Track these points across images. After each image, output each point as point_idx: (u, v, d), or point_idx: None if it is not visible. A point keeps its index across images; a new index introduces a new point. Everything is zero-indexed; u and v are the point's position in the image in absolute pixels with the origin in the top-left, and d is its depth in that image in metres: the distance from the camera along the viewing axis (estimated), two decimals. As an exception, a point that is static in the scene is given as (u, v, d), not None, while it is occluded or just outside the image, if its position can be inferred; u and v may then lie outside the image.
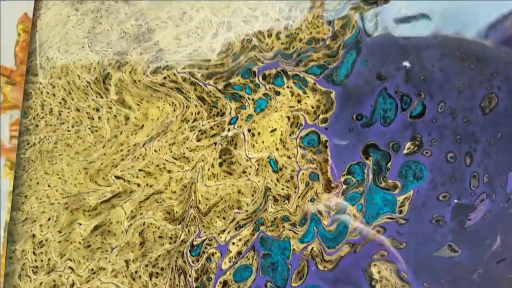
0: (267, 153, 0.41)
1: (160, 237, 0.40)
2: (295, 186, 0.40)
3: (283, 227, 0.40)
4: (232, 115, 0.41)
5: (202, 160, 0.40)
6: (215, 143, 0.41)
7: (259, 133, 0.41)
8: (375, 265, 0.41)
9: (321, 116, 0.41)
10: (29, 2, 0.42)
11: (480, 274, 0.41)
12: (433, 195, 0.40)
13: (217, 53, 0.42)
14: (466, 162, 0.40)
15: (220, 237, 0.40)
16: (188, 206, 0.40)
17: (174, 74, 0.42)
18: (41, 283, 0.40)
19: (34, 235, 0.40)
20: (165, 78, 0.41)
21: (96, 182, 0.40)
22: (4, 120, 0.41)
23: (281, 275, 0.41)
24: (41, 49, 0.42)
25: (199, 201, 0.40)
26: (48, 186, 0.40)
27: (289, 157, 0.40)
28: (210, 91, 0.41)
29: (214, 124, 0.41)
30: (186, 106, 0.41)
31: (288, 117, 0.41)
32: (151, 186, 0.40)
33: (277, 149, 0.40)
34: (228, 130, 0.40)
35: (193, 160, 0.40)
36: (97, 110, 0.41)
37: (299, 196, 0.40)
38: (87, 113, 0.41)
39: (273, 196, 0.40)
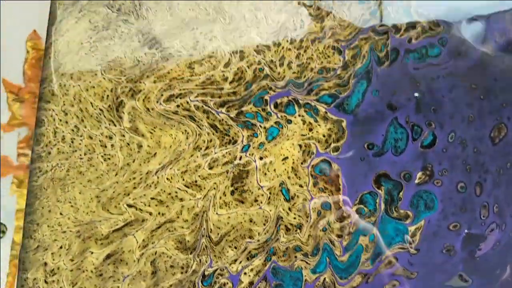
0: (279, 182, 0.41)
1: (171, 266, 0.40)
2: (307, 215, 0.40)
3: (295, 257, 0.40)
4: (244, 143, 0.41)
5: (214, 188, 0.40)
6: (227, 171, 0.41)
7: (271, 162, 0.41)
8: (387, 295, 0.40)
9: (332, 145, 0.41)
10: (39, 18, 0.42)
11: (492, 305, 0.41)
12: (444, 225, 0.40)
13: (229, 82, 0.42)
14: (476, 192, 0.40)
15: (232, 267, 0.40)
16: (199, 235, 0.40)
17: (187, 102, 0.42)
18: (52, 313, 0.40)
19: (46, 263, 0.40)
20: (178, 106, 0.41)
21: (108, 210, 0.40)
22: (12, 138, 0.41)
23: (293, 305, 0.40)
24: (54, 76, 0.42)
25: (211, 230, 0.40)
26: (60, 214, 0.40)
27: (301, 186, 0.40)
28: (223, 119, 0.41)
29: (226, 152, 0.41)
30: (199, 134, 0.41)
31: (300, 146, 0.41)
32: (163, 214, 0.40)
33: (289, 177, 0.40)
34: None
35: (205, 188, 0.40)
36: (110, 138, 0.41)
37: (311, 226, 0.40)
38: (100, 140, 0.41)
39: (285, 225, 0.40)
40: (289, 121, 0.42)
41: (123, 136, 0.42)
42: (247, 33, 0.44)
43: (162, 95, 0.42)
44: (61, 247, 0.40)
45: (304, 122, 0.42)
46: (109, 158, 0.41)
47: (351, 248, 0.41)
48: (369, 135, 0.42)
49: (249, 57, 0.43)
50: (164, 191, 0.41)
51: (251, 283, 0.41)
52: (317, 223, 0.41)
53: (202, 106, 0.42)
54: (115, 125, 0.42)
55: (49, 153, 0.42)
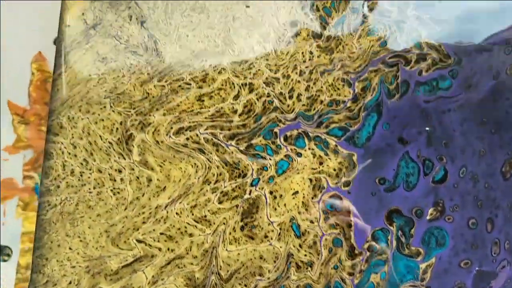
0: (289, 217, 0.40)
1: (181, 303, 0.39)
2: (318, 252, 0.40)
3: (306, 294, 0.40)
4: (253, 177, 0.40)
5: (224, 224, 0.40)
6: (236, 206, 0.40)
7: (281, 196, 0.40)
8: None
9: (343, 179, 0.40)
10: (45, 39, 0.41)
11: None
12: (455, 262, 0.40)
13: (239, 114, 0.42)
14: (487, 229, 0.40)
15: (242, 304, 0.40)
16: (209, 272, 0.39)
17: (197, 135, 0.41)
18: None
19: (54, 301, 0.39)
20: (187, 139, 0.41)
21: (117, 245, 0.39)
22: (17, 160, 0.40)
23: None
24: (62, 108, 0.42)
25: (220, 266, 0.39)
26: (70, 248, 0.40)
27: (311, 222, 0.40)
28: (232, 152, 0.41)
29: (236, 186, 0.40)
30: (208, 167, 0.41)
31: (310, 179, 0.41)
32: (172, 250, 0.39)
33: (299, 212, 0.40)
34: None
35: (214, 223, 0.40)
36: (120, 171, 0.40)
37: (322, 263, 0.39)
38: (109, 174, 0.40)
39: (296, 263, 0.40)
40: (299, 154, 0.42)
41: (133, 169, 0.41)
42: (256, 65, 0.43)
43: (171, 127, 0.42)
44: (70, 283, 0.40)
45: (314, 155, 0.42)
46: (118, 192, 0.41)
47: (363, 286, 0.40)
48: (380, 169, 0.41)
49: (258, 89, 0.43)
50: (174, 226, 0.40)
51: (261, 321, 0.40)
52: (328, 261, 0.40)
53: (212, 139, 0.42)
54: (124, 159, 0.41)
55: (58, 186, 0.41)
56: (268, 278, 0.41)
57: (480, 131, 0.43)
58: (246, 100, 0.44)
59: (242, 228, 0.42)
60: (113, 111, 0.43)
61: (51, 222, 0.41)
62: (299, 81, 0.44)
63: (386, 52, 0.44)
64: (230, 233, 0.41)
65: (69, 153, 0.43)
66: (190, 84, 0.44)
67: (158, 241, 0.41)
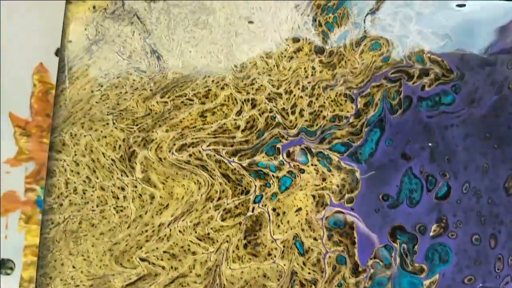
0: (293, 234, 0.40)
1: (185, 321, 0.39)
2: (322, 270, 0.39)
3: (310, 312, 0.40)
4: (256, 193, 0.40)
5: (227, 241, 0.40)
6: (239, 223, 0.40)
7: (284, 213, 0.40)
8: None
9: (346, 196, 0.40)
10: (46, 50, 0.41)
11: None
12: (458, 279, 0.39)
13: (241, 130, 0.41)
14: (490, 244, 0.40)
15: (246, 322, 0.39)
16: (213, 290, 0.39)
17: (200, 152, 0.41)
18: None
19: (58, 320, 0.39)
20: (190, 155, 0.41)
21: (121, 264, 0.39)
22: (19, 172, 0.40)
23: None
24: (65, 125, 0.41)
25: (224, 285, 0.39)
26: (73, 267, 0.39)
27: (315, 239, 0.39)
28: (235, 169, 0.40)
29: (239, 203, 0.40)
30: (211, 184, 0.40)
31: (313, 196, 0.41)
32: (175, 269, 0.39)
33: (302, 230, 0.40)
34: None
35: (217, 241, 0.40)
36: (123, 189, 0.40)
37: (326, 281, 0.39)
38: (112, 192, 0.40)
39: (300, 281, 0.39)
40: (302, 171, 0.41)
41: (135, 187, 0.41)
42: (259, 81, 0.43)
43: (174, 144, 0.42)
44: (73, 302, 0.40)
45: (317, 171, 0.41)
46: (121, 210, 0.41)
47: (366, 304, 0.40)
48: (383, 185, 0.41)
49: (261, 105, 0.43)
50: (177, 244, 0.40)
51: None
52: (332, 279, 0.40)
53: (214, 155, 0.42)
54: (127, 176, 0.41)
55: (61, 204, 0.41)
56: (272, 296, 0.41)
57: (483, 146, 0.43)
58: (249, 116, 0.43)
59: (245, 246, 0.41)
60: (116, 127, 0.43)
61: (55, 241, 0.41)
62: (301, 97, 0.44)
63: (388, 67, 0.44)
64: (233, 251, 0.41)
65: (72, 171, 0.42)
66: (192, 100, 0.43)
67: (162, 259, 0.41)
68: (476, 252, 0.41)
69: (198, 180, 0.42)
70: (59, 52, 0.43)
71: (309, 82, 0.44)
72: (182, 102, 0.43)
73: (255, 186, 0.42)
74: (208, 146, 0.43)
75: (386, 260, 0.41)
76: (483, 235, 0.41)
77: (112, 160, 0.42)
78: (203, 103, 0.43)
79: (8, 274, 0.40)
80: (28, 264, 0.40)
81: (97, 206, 0.42)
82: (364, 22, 0.44)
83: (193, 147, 0.43)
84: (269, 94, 0.44)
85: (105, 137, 0.43)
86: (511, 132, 0.43)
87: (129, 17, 0.44)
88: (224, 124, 0.43)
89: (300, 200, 0.42)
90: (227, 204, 0.42)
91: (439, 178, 0.42)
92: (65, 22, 0.44)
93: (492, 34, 0.44)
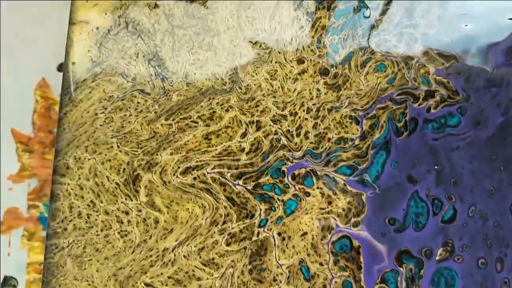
0: (298, 259, 0.39)
1: None
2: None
3: (316, 338, 0.39)
4: (261, 217, 0.40)
5: (232, 267, 0.39)
6: (244, 248, 0.39)
7: (289, 237, 0.40)
8: None
9: (352, 220, 0.40)
10: (48, 65, 0.41)
11: None
12: (465, 303, 0.39)
13: (246, 152, 0.41)
14: (497, 268, 0.39)
15: None
16: (219, 315, 0.39)
17: (204, 175, 0.40)
18: None
19: None
20: (195, 178, 0.40)
21: (126, 289, 0.39)
22: (22, 189, 0.40)
23: None
24: (68, 148, 0.41)
25: (230, 310, 0.39)
26: (77, 293, 0.39)
27: (321, 264, 0.39)
28: (240, 192, 0.40)
29: (244, 227, 0.40)
30: (216, 208, 0.40)
31: (319, 220, 0.40)
32: (181, 293, 0.39)
33: (308, 254, 0.39)
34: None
35: (222, 266, 0.39)
36: (127, 213, 0.40)
37: (332, 307, 0.39)
38: (116, 216, 0.40)
39: (306, 306, 0.39)
40: (308, 194, 0.41)
41: (140, 211, 0.41)
42: (264, 103, 0.42)
43: (179, 167, 0.41)
44: (78, 328, 0.39)
45: (322, 195, 0.41)
46: (125, 235, 0.40)
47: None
48: (389, 209, 0.40)
49: (265, 127, 0.42)
50: (181, 269, 0.40)
51: None
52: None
53: (219, 178, 0.41)
54: (131, 200, 0.41)
55: (65, 229, 0.40)
56: (278, 322, 0.41)
57: (489, 169, 0.42)
58: (254, 138, 0.43)
59: (250, 271, 0.41)
60: (120, 151, 0.42)
61: (59, 266, 0.41)
62: (306, 119, 0.43)
63: (393, 89, 0.43)
64: (238, 277, 0.41)
65: (76, 195, 0.42)
66: (197, 122, 0.43)
67: (166, 284, 0.41)
68: (482, 276, 0.41)
69: (202, 204, 0.42)
70: (62, 67, 0.43)
71: (314, 104, 0.44)
72: (187, 124, 0.43)
73: (260, 209, 0.42)
74: (212, 169, 0.42)
75: (392, 285, 0.41)
76: (489, 258, 0.41)
77: (116, 183, 0.42)
78: (207, 125, 0.43)
79: (11, 292, 0.40)
80: (31, 282, 0.40)
81: (102, 230, 0.41)
82: (368, 43, 0.44)
83: (197, 170, 0.42)
84: (274, 116, 0.43)
85: (109, 160, 0.42)
86: (517, 154, 0.42)
87: (133, 39, 0.44)
88: (229, 146, 0.43)
89: (306, 224, 0.42)
90: (232, 228, 0.42)
91: (445, 202, 0.42)
92: (68, 43, 0.43)
93: (499, 54, 0.43)
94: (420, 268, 0.41)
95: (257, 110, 0.44)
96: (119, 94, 0.43)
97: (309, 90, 0.44)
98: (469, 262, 0.41)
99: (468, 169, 0.42)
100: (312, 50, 0.44)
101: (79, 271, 0.41)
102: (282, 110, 0.44)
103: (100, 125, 0.43)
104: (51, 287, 0.41)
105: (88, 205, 0.42)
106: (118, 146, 0.43)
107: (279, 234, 0.42)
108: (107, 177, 0.42)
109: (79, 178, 0.42)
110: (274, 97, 0.44)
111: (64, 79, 0.43)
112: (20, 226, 0.41)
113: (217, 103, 0.43)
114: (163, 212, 0.42)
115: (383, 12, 0.44)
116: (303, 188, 0.43)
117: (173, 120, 0.43)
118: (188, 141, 0.43)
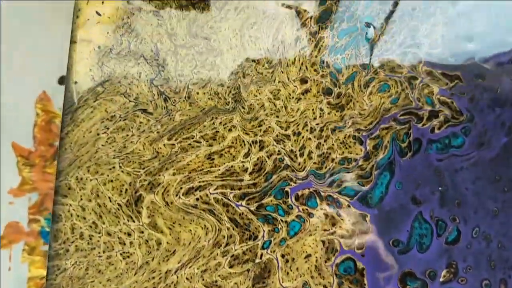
0: (302, 282, 0.39)
1: None
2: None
3: None
4: (265, 239, 0.39)
5: (236, 288, 0.39)
6: (248, 270, 0.39)
7: (293, 259, 0.39)
8: None
9: (357, 241, 0.39)
10: (49, 78, 0.40)
11: None
12: (470, 326, 0.39)
13: (249, 173, 0.41)
14: (501, 290, 0.39)
15: None
16: None
17: (207, 195, 0.40)
18: None
19: None
20: (197, 199, 0.40)
21: (128, 312, 0.38)
22: (23, 203, 0.39)
23: None
24: (70, 169, 0.40)
25: (234, 333, 0.38)
26: (79, 316, 0.38)
27: (325, 286, 0.39)
28: (243, 213, 0.40)
29: (247, 249, 0.39)
30: (219, 229, 0.39)
31: (323, 242, 0.40)
32: (184, 316, 0.38)
33: (312, 277, 0.39)
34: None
35: (226, 288, 0.39)
36: (129, 234, 0.39)
37: (336, 330, 0.39)
38: (118, 237, 0.39)
39: (310, 330, 0.39)
40: (311, 215, 0.41)
41: (142, 232, 0.40)
42: (267, 122, 0.42)
43: (181, 188, 0.41)
44: None
45: (326, 216, 0.41)
46: (128, 256, 0.40)
47: None
48: (394, 230, 0.40)
49: (269, 147, 0.42)
50: (185, 291, 0.39)
51: None
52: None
53: (222, 199, 0.41)
54: (133, 221, 0.40)
55: (67, 250, 0.40)
56: None
57: (493, 190, 0.42)
58: (257, 158, 0.43)
59: (254, 293, 0.41)
60: (122, 171, 0.42)
61: (61, 287, 0.40)
62: (309, 138, 0.43)
63: (397, 109, 0.43)
64: (242, 298, 0.40)
65: (78, 216, 0.41)
66: (200, 142, 0.42)
67: (169, 307, 0.40)
68: (486, 299, 0.41)
69: (205, 225, 0.42)
70: (63, 80, 0.42)
71: (317, 124, 0.43)
72: (190, 144, 0.43)
73: (264, 231, 0.42)
74: (215, 189, 0.42)
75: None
76: (493, 280, 0.41)
77: (119, 204, 0.42)
78: (210, 145, 0.43)
79: (12, 307, 0.40)
80: (31, 297, 0.40)
81: (104, 252, 0.41)
82: (370, 63, 0.44)
83: (200, 191, 0.42)
84: (277, 135, 0.43)
85: (111, 181, 0.42)
86: (521, 175, 0.42)
87: (135, 58, 0.43)
88: (232, 166, 0.43)
89: (310, 246, 0.42)
90: (235, 250, 0.41)
91: (449, 223, 0.41)
92: (69, 62, 0.43)
93: (502, 74, 0.43)
94: (424, 290, 0.41)
95: (260, 130, 0.43)
96: (121, 114, 0.43)
97: (313, 109, 0.44)
98: (473, 283, 0.41)
99: (472, 190, 0.42)
100: (315, 70, 0.44)
101: (81, 293, 0.41)
102: (285, 130, 0.43)
103: (102, 145, 0.43)
104: (52, 310, 0.40)
105: (90, 226, 0.42)
106: (120, 167, 0.42)
107: (282, 256, 0.42)
108: (109, 198, 0.42)
109: (81, 199, 0.42)
110: (277, 116, 0.44)
111: (66, 98, 0.42)
112: (21, 240, 0.40)
113: (220, 122, 0.43)
114: (165, 234, 0.42)
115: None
116: (307, 209, 0.42)
117: (175, 140, 0.43)
118: (190, 161, 0.43)
